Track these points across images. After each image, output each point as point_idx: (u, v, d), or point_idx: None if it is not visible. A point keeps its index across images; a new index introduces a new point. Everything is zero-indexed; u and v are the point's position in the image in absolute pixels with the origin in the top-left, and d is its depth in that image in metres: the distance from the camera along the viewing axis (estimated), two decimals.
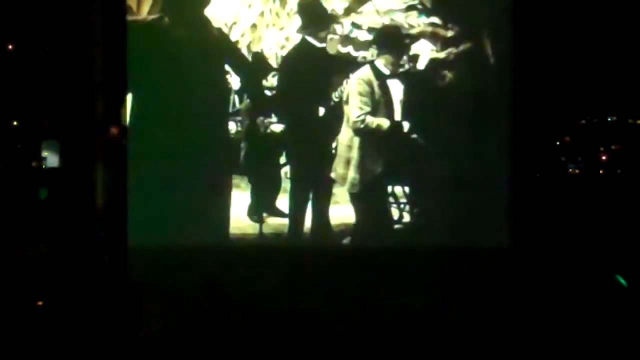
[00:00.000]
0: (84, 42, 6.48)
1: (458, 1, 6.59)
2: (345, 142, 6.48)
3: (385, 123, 6.45)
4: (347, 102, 6.49)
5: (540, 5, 6.52)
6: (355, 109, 6.44)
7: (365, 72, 6.49)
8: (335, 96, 6.54)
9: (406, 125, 6.49)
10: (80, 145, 6.56)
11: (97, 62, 6.46)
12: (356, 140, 6.46)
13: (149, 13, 6.45)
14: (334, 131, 6.53)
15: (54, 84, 7.14)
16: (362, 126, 6.43)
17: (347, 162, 6.48)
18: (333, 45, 6.54)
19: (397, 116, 6.49)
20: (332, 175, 6.50)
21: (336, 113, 6.52)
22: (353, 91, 6.47)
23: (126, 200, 6.40)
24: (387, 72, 6.48)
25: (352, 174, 6.46)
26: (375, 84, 6.45)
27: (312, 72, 6.54)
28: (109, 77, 6.46)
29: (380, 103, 6.46)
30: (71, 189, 6.59)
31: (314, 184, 6.55)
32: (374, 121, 6.43)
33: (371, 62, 6.49)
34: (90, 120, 6.52)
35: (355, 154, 6.46)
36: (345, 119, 6.49)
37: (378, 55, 6.49)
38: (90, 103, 6.49)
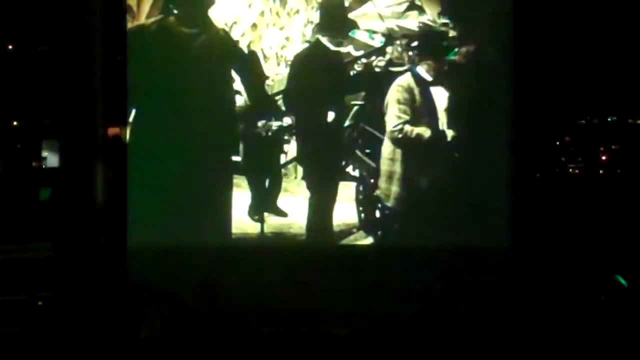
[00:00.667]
0: (84, 42, 6.48)
1: (458, 1, 6.59)
2: (387, 154, 6.43)
3: (426, 132, 6.39)
4: (386, 111, 6.42)
5: (540, 6, 6.52)
6: (393, 118, 6.38)
7: (406, 79, 6.42)
8: (352, 100, 6.52)
9: (408, 126, 6.49)
10: (80, 145, 6.55)
11: (97, 62, 6.46)
12: (399, 153, 6.40)
13: (149, 13, 6.45)
14: (343, 132, 6.53)
15: (54, 84, 7.13)
16: (400, 136, 6.38)
17: (390, 176, 6.45)
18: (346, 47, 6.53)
19: (441, 125, 6.43)
20: (377, 192, 6.45)
21: (345, 114, 6.52)
22: (392, 99, 6.40)
23: (126, 200, 6.40)
24: (429, 78, 6.42)
25: (395, 188, 6.44)
26: (417, 91, 6.39)
27: (322, 73, 6.52)
28: (109, 76, 6.46)
29: (421, 112, 6.38)
30: (71, 189, 6.58)
31: (321, 185, 6.53)
32: (413, 130, 6.37)
33: (411, 69, 6.44)
34: (90, 120, 6.51)
35: (398, 168, 6.41)
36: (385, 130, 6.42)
37: (419, 61, 6.42)
38: (91, 103, 6.49)
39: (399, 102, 6.37)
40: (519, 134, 6.52)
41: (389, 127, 6.39)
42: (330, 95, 6.54)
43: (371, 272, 6.38)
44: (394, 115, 6.38)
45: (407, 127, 6.37)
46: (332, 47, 6.49)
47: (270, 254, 6.41)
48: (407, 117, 6.36)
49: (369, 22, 6.58)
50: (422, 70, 6.44)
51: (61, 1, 6.64)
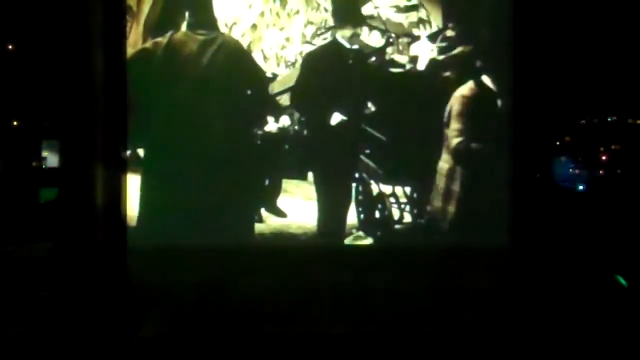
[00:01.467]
0: (84, 42, 6.47)
1: (459, 3, 6.59)
2: (445, 172, 6.42)
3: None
4: (447, 124, 6.37)
5: (540, 6, 6.52)
6: (455, 132, 6.35)
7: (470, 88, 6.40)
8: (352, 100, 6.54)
9: (407, 126, 6.49)
10: (80, 145, 6.55)
11: (97, 62, 6.46)
12: (458, 170, 6.39)
13: (149, 13, 6.45)
14: (344, 133, 6.52)
15: (54, 84, 7.13)
16: (461, 152, 6.36)
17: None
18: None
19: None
20: (429, 208, 6.45)
21: (347, 115, 6.52)
22: (454, 112, 6.37)
23: (126, 200, 6.39)
24: (494, 88, 6.37)
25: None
26: (481, 102, 6.37)
27: (325, 73, 6.51)
28: (109, 76, 6.45)
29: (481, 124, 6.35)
30: (71, 189, 6.58)
31: (321, 185, 6.54)
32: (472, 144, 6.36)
33: (477, 77, 6.41)
34: (90, 120, 6.51)
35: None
36: (445, 145, 6.41)
37: (483, 68, 6.39)
38: (90, 103, 6.49)
39: (463, 115, 6.33)
40: (519, 134, 6.52)
41: (452, 142, 6.38)
42: (333, 95, 6.54)
43: (371, 272, 6.38)
44: (456, 129, 6.38)
45: (468, 143, 6.40)
46: (335, 48, 6.49)
47: (270, 254, 6.41)
48: (468, 131, 6.36)
49: (370, 22, 6.58)
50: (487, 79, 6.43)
51: (61, 1, 6.63)
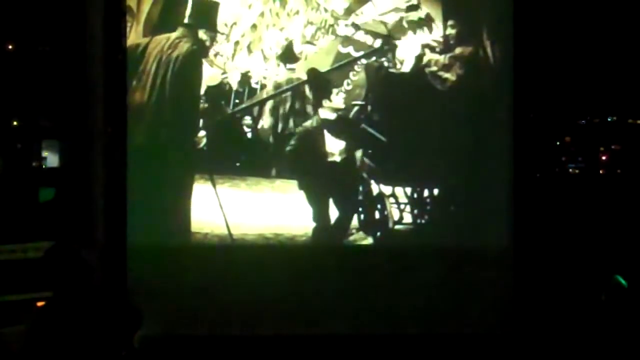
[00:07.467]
0: (84, 42, 6.48)
1: (459, 2, 6.59)
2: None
3: None
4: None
5: (540, 6, 6.52)
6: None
7: None
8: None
9: (407, 126, 6.50)
10: (80, 145, 6.55)
11: (97, 62, 6.46)
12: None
13: (149, 13, 6.45)
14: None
15: (54, 84, 7.13)
16: None
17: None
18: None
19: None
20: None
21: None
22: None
23: (126, 200, 6.39)
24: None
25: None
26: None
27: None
28: (109, 76, 6.45)
29: None
30: (71, 189, 6.58)
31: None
32: None
33: None
34: (90, 120, 6.51)
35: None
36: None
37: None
38: (90, 103, 6.49)
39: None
40: (519, 134, 6.52)
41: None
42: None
43: (371, 273, 6.38)
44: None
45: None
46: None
47: (271, 254, 6.41)
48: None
49: (370, 22, 6.58)
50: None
51: (61, 1, 6.63)
